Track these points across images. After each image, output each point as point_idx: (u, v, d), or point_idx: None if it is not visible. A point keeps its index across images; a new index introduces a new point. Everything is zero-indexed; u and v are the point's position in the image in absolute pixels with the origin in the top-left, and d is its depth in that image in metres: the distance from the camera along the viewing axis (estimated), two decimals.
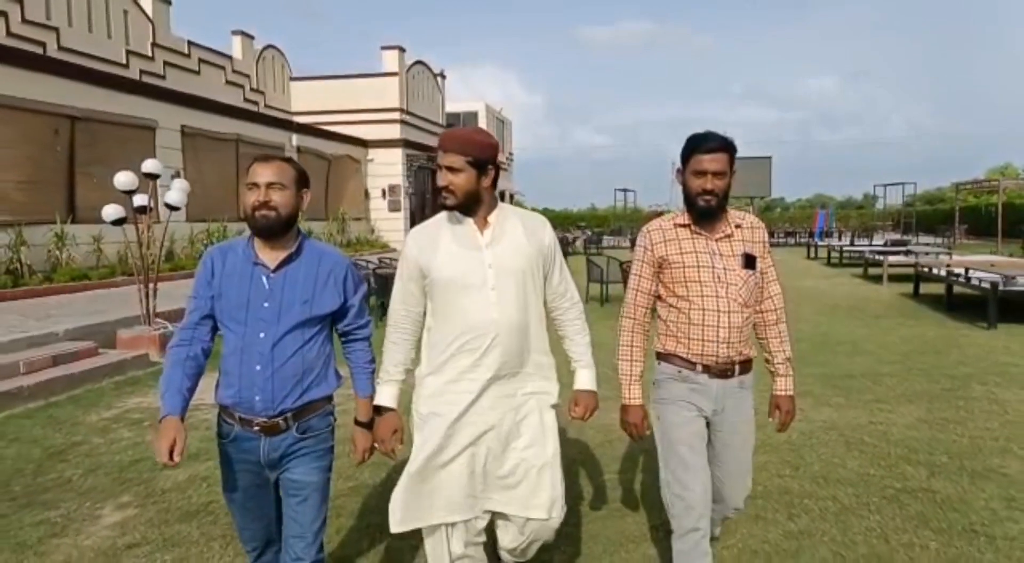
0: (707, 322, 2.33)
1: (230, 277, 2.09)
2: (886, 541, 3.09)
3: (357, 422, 2.28)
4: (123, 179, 6.88)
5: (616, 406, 2.60)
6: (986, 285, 8.67)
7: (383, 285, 9.38)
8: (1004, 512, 3.37)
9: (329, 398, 2.22)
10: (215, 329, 2.15)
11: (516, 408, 2.23)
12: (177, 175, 11.19)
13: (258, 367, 2.04)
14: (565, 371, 2.42)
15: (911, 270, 12.08)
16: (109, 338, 7.05)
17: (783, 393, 2.52)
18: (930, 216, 36.62)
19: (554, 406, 2.32)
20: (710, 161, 2.28)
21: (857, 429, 4.65)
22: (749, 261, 2.37)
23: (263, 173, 2.05)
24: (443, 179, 2.14)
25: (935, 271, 10.75)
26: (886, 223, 33.62)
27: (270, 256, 2.10)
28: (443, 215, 2.25)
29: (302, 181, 2.14)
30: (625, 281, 9.93)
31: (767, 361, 2.54)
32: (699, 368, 2.37)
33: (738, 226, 2.40)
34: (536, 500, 2.23)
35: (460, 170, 2.12)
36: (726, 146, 2.29)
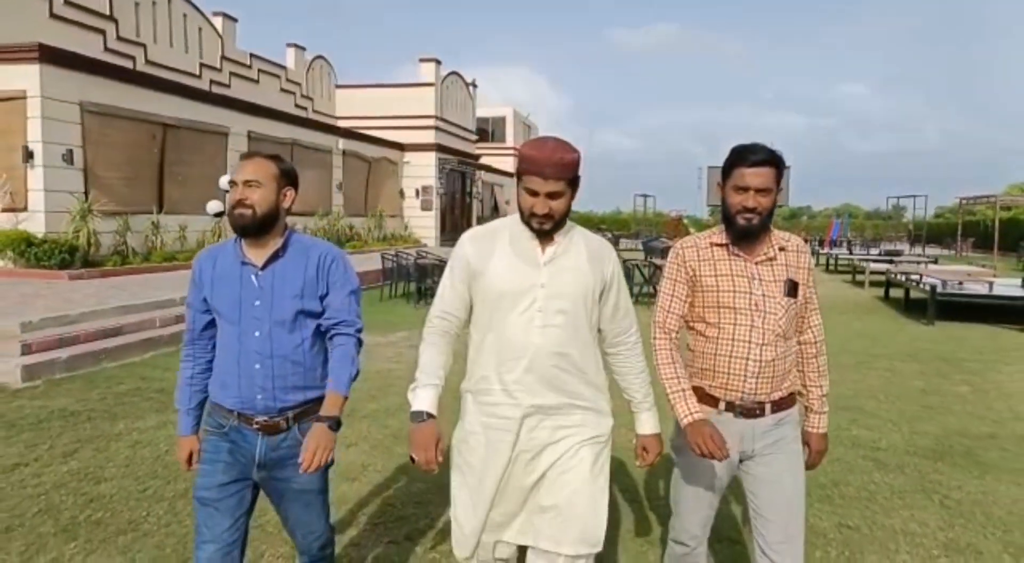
0: (736, 354, 2.11)
1: (221, 278, 2.08)
2: None
3: (319, 417, 2.03)
4: (227, 180, 8.79)
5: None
6: (927, 288, 10.28)
7: (423, 273, 11.24)
8: (846, 425, 5.09)
9: None
10: (215, 337, 2.16)
11: (557, 440, 2.04)
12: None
13: (257, 366, 2.03)
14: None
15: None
16: None
17: (815, 430, 2.30)
18: (942, 228, 37.74)
19: (602, 439, 2.09)
20: (753, 176, 2.05)
21: None
22: (792, 288, 2.14)
23: (242, 171, 2.04)
24: (543, 207, 1.94)
25: (898, 277, 12.32)
26: (899, 234, 34.79)
27: (257, 254, 2.08)
28: (509, 221, 2.10)
29: (284, 179, 2.09)
30: (627, 276, 11.64)
31: (801, 395, 2.29)
32: (722, 406, 2.15)
33: (782, 249, 2.17)
34: (567, 535, 2.00)
35: (562, 194, 1.95)
36: (773, 160, 2.07)
